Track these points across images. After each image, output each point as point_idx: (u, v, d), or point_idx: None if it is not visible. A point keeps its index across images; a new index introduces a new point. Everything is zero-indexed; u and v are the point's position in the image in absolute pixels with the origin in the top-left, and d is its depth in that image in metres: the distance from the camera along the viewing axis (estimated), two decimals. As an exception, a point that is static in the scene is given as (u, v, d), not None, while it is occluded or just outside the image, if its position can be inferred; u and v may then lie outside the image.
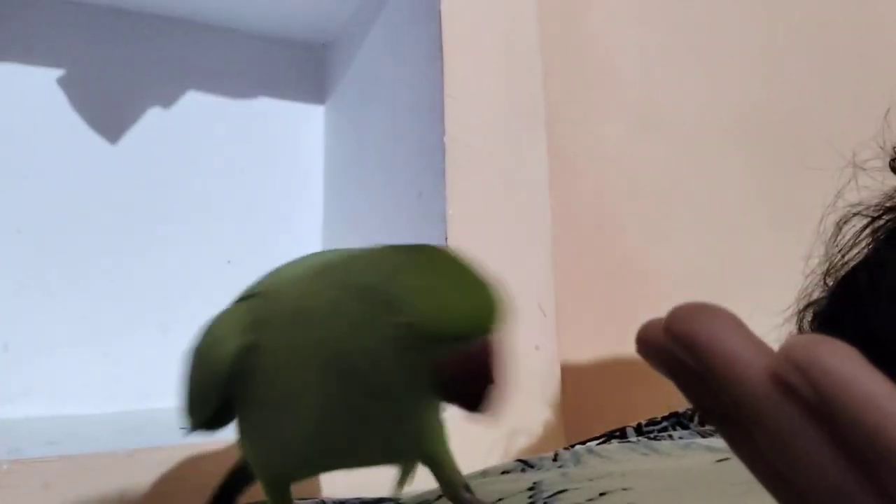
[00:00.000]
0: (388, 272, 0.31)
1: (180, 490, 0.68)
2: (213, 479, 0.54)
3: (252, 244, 1.08)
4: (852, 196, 0.45)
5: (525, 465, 0.50)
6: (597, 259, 0.95)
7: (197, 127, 1.09)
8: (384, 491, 0.47)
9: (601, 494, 0.37)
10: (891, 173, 0.43)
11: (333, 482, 0.65)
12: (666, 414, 0.66)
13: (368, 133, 1.06)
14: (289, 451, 0.39)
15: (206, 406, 0.39)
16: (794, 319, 0.46)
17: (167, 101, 1.09)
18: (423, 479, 0.54)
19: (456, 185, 0.86)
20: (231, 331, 0.37)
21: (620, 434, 0.64)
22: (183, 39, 1.11)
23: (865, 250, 0.42)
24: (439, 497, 0.44)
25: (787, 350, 0.17)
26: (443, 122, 0.87)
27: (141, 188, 1.05)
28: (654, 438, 0.58)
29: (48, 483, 0.63)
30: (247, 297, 0.39)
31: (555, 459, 0.50)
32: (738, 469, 0.37)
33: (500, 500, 0.41)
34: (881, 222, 0.42)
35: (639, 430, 0.64)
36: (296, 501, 0.56)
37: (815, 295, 0.45)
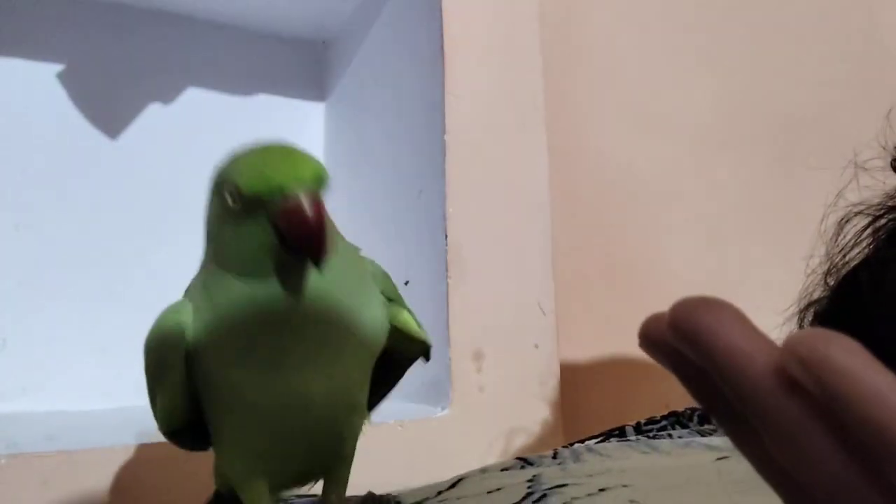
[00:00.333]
0: (229, 160, 0.39)
1: (178, 486, 0.68)
2: (212, 476, 0.54)
3: (251, 241, 1.07)
4: (853, 196, 0.45)
5: (524, 462, 0.50)
6: (597, 258, 0.95)
7: (197, 123, 1.09)
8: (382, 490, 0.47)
9: (601, 490, 0.37)
10: (892, 173, 0.43)
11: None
12: (665, 413, 0.66)
13: (369, 131, 1.06)
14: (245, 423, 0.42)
15: (168, 398, 0.43)
16: (795, 319, 0.46)
17: (167, 97, 1.09)
18: (424, 477, 0.54)
19: (456, 184, 0.86)
20: (174, 319, 0.42)
21: (619, 433, 0.64)
22: (183, 36, 1.11)
23: (867, 250, 0.42)
24: (439, 493, 0.44)
25: (791, 344, 0.17)
26: (443, 121, 0.86)
27: (140, 184, 1.05)
28: (654, 437, 0.58)
29: (46, 478, 0.63)
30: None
31: (554, 457, 0.50)
32: (738, 467, 0.37)
33: (498, 489, 0.41)
34: (882, 222, 0.42)
35: (638, 429, 0.64)
36: (294, 499, 0.56)
37: (817, 294, 0.45)
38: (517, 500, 0.38)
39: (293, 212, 0.35)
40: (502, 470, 0.48)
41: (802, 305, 0.46)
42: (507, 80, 0.93)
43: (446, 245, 0.84)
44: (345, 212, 1.08)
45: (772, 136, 0.76)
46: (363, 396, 0.46)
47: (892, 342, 0.36)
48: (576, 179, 0.97)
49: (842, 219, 0.44)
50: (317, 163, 0.38)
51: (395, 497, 0.46)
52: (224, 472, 0.47)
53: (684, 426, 0.63)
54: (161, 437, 0.68)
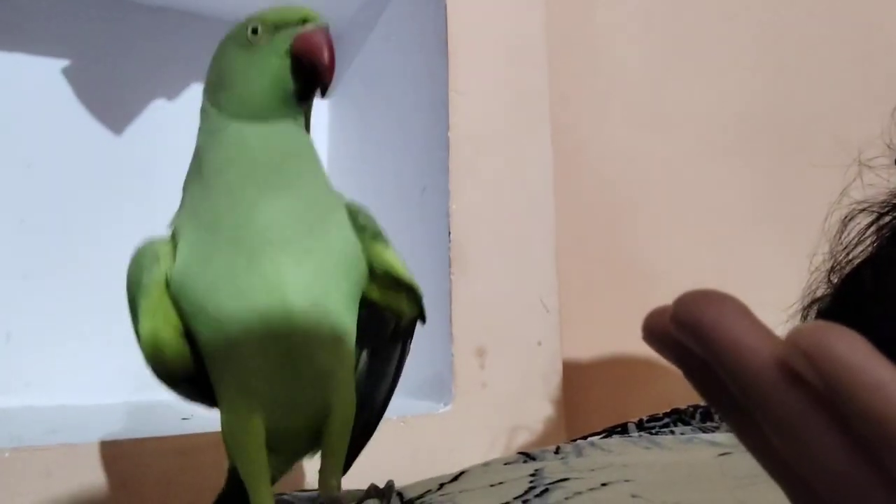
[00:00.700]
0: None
1: (181, 480, 0.68)
2: (215, 469, 0.54)
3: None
4: (858, 193, 0.45)
5: (527, 456, 0.50)
6: (600, 255, 0.95)
7: (201, 119, 1.09)
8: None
9: (603, 485, 0.37)
10: (897, 171, 0.43)
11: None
12: (667, 410, 0.66)
13: (373, 128, 1.06)
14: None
15: (149, 319, 0.44)
16: (799, 316, 0.46)
17: (172, 92, 1.09)
18: (426, 474, 0.54)
19: (460, 181, 0.86)
20: (149, 242, 0.45)
21: (622, 429, 0.64)
22: (188, 31, 1.11)
23: (870, 248, 0.42)
24: (441, 486, 0.44)
25: (793, 337, 0.17)
26: (447, 118, 0.86)
27: (145, 179, 1.05)
28: (656, 434, 0.58)
29: (49, 471, 0.63)
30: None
31: (556, 452, 0.50)
32: (740, 463, 0.37)
33: (501, 483, 0.41)
34: (886, 219, 0.42)
35: (640, 426, 0.64)
36: (295, 492, 0.56)
37: (820, 292, 0.45)
38: (519, 493, 0.38)
39: (313, 35, 0.42)
40: (505, 464, 0.48)
41: (806, 303, 0.46)
42: (511, 77, 0.93)
43: (450, 242, 0.84)
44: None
45: (776, 134, 0.76)
46: (347, 323, 0.46)
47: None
48: (580, 177, 0.97)
49: (846, 216, 0.44)
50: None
51: (397, 489, 0.46)
52: (225, 428, 0.46)
53: (686, 423, 0.63)
54: (164, 431, 0.69)
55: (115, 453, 0.66)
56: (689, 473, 0.39)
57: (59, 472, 0.63)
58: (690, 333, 0.18)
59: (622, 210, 0.94)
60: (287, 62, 0.42)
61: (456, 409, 0.82)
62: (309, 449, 0.52)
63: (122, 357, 0.98)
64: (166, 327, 0.44)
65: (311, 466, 0.56)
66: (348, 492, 0.45)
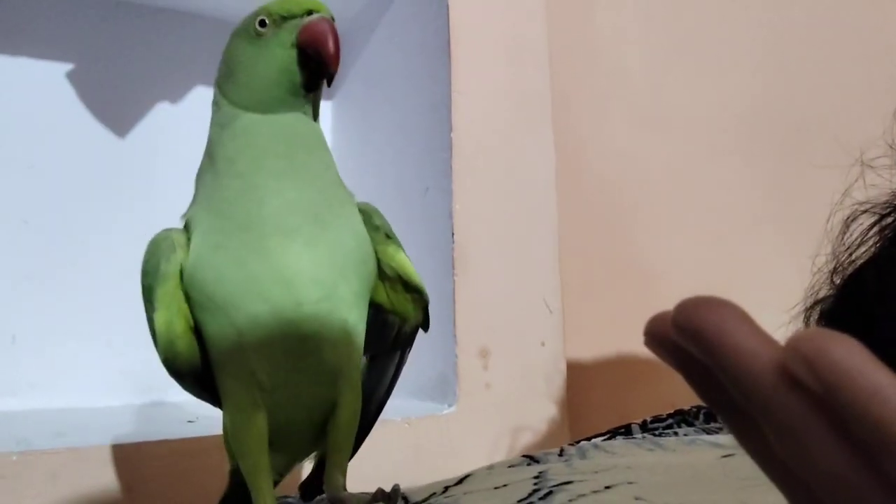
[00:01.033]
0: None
1: (186, 483, 0.68)
2: (220, 471, 0.54)
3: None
4: (860, 194, 0.45)
5: (531, 459, 0.50)
6: (603, 256, 0.96)
7: (205, 121, 1.09)
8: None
9: (606, 487, 0.37)
10: (899, 171, 0.43)
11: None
12: (671, 412, 0.66)
13: (375, 129, 1.06)
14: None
15: (164, 309, 0.44)
16: (801, 317, 0.46)
17: (176, 95, 1.09)
18: (431, 474, 0.55)
19: (463, 181, 0.86)
20: (166, 232, 0.45)
21: (625, 431, 0.64)
22: (191, 33, 1.11)
23: (873, 248, 0.42)
24: (446, 489, 0.44)
25: (793, 343, 0.17)
26: (450, 118, 0.87)
27: (148, 181, 1.05)
28: (659, 435, 0.58)
29: (55, 474, 0.64)
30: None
31: (560, 454, 0.51)
32: (743, 465, 0.37)
33: (505, 485, 0.41)
34: (889, 220, 0.42)
35: (644, 427, 0.64)
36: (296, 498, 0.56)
37: (823, 293, 0.45)
38: (524, 496, 0.39)
39: (318, 24, 0.43)
40: (509, 467, 0.48)
41: (809, 304, 0.46)
42: (513, 78, 0.94)
43: (453, 242, 0.84)
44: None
45: (778, 134, 0.76)
46: (357, 320, 0.46)
47: (898, 340, 0.36)
48: (582, 177, 0.97)
49: (848, 217, 0.44)
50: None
51: (403, 493, 0.46)
52: (228, 426, 0.46)
53: (690, 424, 0.63)
54: (169, 434, 0.69)
55: (120, 456, 0.66)
56: (692, 475, 0.39)
57: (65, 476, 0.64)
58: (691, 339, 0.19)
59: (624, 210, 0.94)
60: (293, 53, 0.44)
61: (460, 410, 0.82)
62: (311, 449, 0.52)
63: (125, 358, 0.99)
64: (179, 319, 0.44)
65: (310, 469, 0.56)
66: (354, 495, 0.45)
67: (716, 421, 0.62)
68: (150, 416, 0.88)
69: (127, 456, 0.67)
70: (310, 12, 0.44)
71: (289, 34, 0.44)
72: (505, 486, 0.42)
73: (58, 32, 1.03)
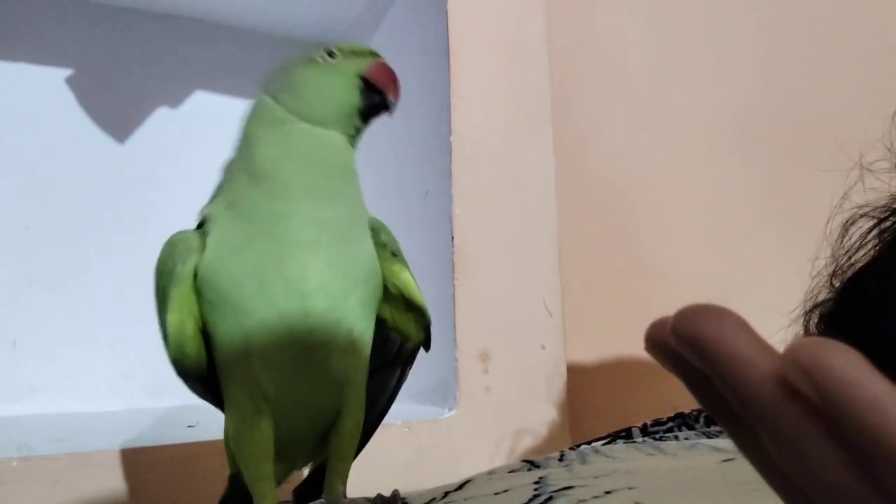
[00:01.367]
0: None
1: (188, 487, 0.68)
2: (220, 477, 0.54)
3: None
4: (859, 197, 0.45)
5: (531, 464, 0.50)
6: (603, 259, 0.95)
7: (204, 126, 1.10)
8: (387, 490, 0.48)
9: (607, 492, 0.37)
10: (898, 175, 0.43)
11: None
12: (672, 415, 0.66)
13: (375, 132, 1.06)
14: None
15: (176, 310, 0.44)
16: (801, 321, 0.46)
17: (175, 100, 1.09)
18: (431, 478, 0.55)
19: (462, 185, 0.86)
20: (183, 233, 0.46)
21: (626, 434, 0.64)
22: (191, 39, 1.12)
23: (872, 252, 0.42)
24: (446, 494, 0.44)
25: (791, 352, 0.17)
26: (449, 122, 0.87)
27: (149, 187, 1.05)
28: (660, 439, 0.58)
29: (56, 480, 0.64)
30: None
31: (560, 459, 0.50)
32: (743, 469, 0.37)
33: (505, 491, 0.41)
34: (888, 224, 0.42)
35: (644, 431, 0.64)
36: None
37: (822, 296, 0.45)
38: (524, 501, 0.39)
39: (387, 65, 0.49)
40: (509, 472, 0.48)
41: (808, 307, 0.46)
42: (513, 82, 0.94)
43: (453, 246, 0.84)
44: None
45: (778, 137, 0.76)
46: (364, 332, 0.46)
47: (897, 344, 0.36)
48: (582, 180, 0.97)
49: (847, 220, 0.44)
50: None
51: (403, 498, 0.46)
52: (230, 432, 0.46)
53: (690, 428, 0.63)
54: (170, 439, 0.69)
55: (121, 461, 0.66)
56: (693, 480, 0.39)
57: (66, 481, 0.64)
58: (690, 347, 0.19)
59: (624, 213, 0.94)
60: (357, 81, 0.48)
61: (460, 414, 0.82)
62: (313, 457, 0.52)
63: (126, 363, 0.99)
64: (190, 321, 0.45)
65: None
66: (354, 500, 0.45)
67: (716, 424, 0.62)
68: (150, 421, 0.88)
69: (128, 461, 0.67)
70: (373, 55, 0.49)
71: (355, 65, 0.48)
72: (505, 491, 0.42)
73: (58, 38, 1.03)
